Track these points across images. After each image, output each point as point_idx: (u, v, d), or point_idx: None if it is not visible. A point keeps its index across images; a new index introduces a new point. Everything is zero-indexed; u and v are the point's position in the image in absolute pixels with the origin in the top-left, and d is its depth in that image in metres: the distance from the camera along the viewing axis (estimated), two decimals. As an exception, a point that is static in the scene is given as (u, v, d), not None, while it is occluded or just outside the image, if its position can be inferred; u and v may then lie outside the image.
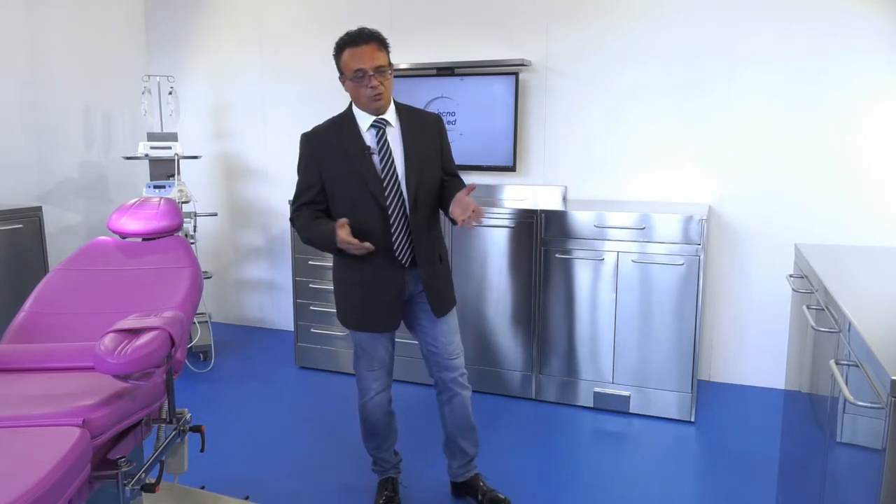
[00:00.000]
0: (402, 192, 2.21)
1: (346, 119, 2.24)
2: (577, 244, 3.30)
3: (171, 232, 2.38)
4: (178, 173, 3.96)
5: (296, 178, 2.32)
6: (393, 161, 2.20)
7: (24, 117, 4.05)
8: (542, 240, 3.36)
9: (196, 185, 4.58)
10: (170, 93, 4.15)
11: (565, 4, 3.75)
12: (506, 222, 3.41)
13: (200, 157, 4.32)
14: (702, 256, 3.11)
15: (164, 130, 4.21)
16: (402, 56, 3.80)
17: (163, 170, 4.06)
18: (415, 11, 4.07)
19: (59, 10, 4.22)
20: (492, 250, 3.46)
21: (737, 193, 3.58)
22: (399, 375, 2.99)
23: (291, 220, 2.33)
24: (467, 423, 2.42)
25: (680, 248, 3.13)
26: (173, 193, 3.79)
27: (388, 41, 2.19)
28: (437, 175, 2.32)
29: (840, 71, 3.32)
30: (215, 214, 4.29)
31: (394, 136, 2.23)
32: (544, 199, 3.80)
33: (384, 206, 2.18)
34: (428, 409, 3.31)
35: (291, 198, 2.34)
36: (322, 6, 4.32)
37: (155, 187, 3.88)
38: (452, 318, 2.37)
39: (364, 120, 2.21)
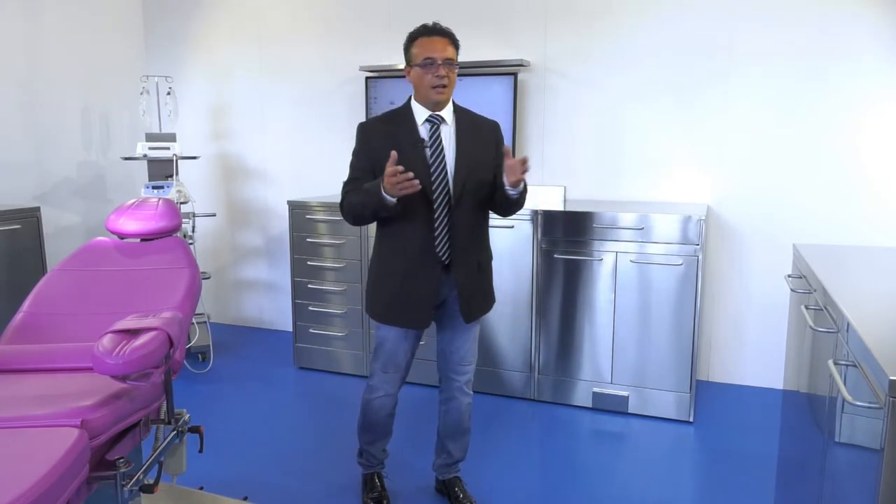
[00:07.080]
0: (448, 188, 2.18)
1: (404, 112, 2.26)
2: (575, 244, 3.30)
3: (170, 232, 2.38)
4: (177, 174, 3.96)
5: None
6: (444, 156, 2.19)
7: (22, 117, 4.05)
8: (541, 240, 3.36)
9: (194, 186, 4.58)
10: (168, 93, 4.14)
11: (564, 5, 3.76)
12: (505, 222, 3.41)
13: (199, 157, 4.32)
14: (700, 256, 3.11)
15: (163, 131, 4.21)
16: (400, 56, 3.79)
17: (161, 170, 4.05)
18: (413, 11, 4.07)
19: (56, 10, 4.21)
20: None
21: (735, 194, 3.58)
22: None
23: (342, 201, 2.25)
24: (459, 428, 2.45)
25: (679, 248, 3.13)
26: (172, 194, 3.79)
27: (459, 42, 2.24)
28: (488, 179, 2.25)
29: (839, 71, 3.32)
30: (214, 215, 4.29)
31: (447, 134, 2.22)
32: (543, 199, 3.80)
33: (430, 199, 2.16)
34: (429, 408, 3.31)
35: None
36: (321, 6, 4.32)
37: (153, 188, 3.88)
38: (476, 327, 2.38)
39: (421, 114, 2.22)
